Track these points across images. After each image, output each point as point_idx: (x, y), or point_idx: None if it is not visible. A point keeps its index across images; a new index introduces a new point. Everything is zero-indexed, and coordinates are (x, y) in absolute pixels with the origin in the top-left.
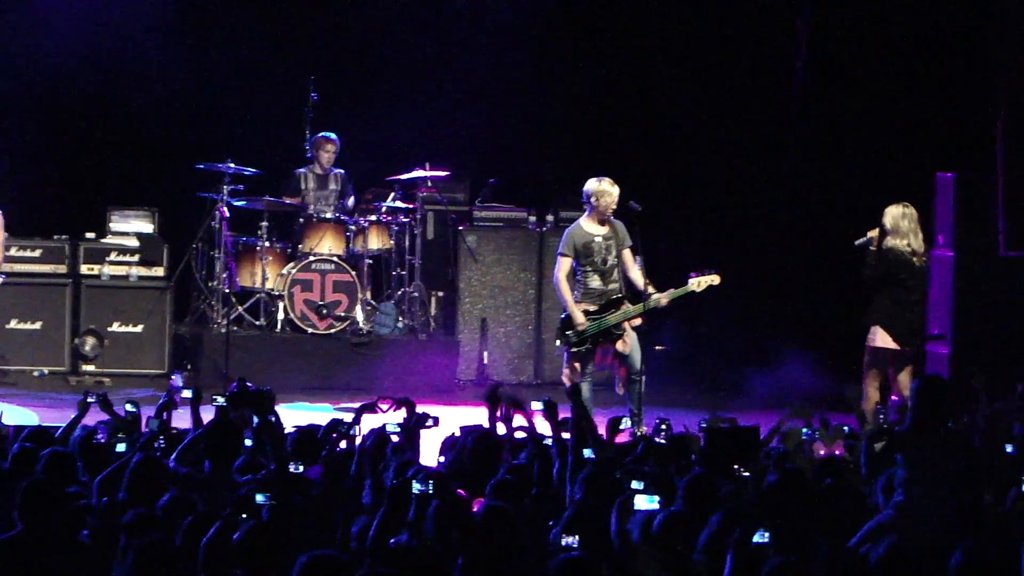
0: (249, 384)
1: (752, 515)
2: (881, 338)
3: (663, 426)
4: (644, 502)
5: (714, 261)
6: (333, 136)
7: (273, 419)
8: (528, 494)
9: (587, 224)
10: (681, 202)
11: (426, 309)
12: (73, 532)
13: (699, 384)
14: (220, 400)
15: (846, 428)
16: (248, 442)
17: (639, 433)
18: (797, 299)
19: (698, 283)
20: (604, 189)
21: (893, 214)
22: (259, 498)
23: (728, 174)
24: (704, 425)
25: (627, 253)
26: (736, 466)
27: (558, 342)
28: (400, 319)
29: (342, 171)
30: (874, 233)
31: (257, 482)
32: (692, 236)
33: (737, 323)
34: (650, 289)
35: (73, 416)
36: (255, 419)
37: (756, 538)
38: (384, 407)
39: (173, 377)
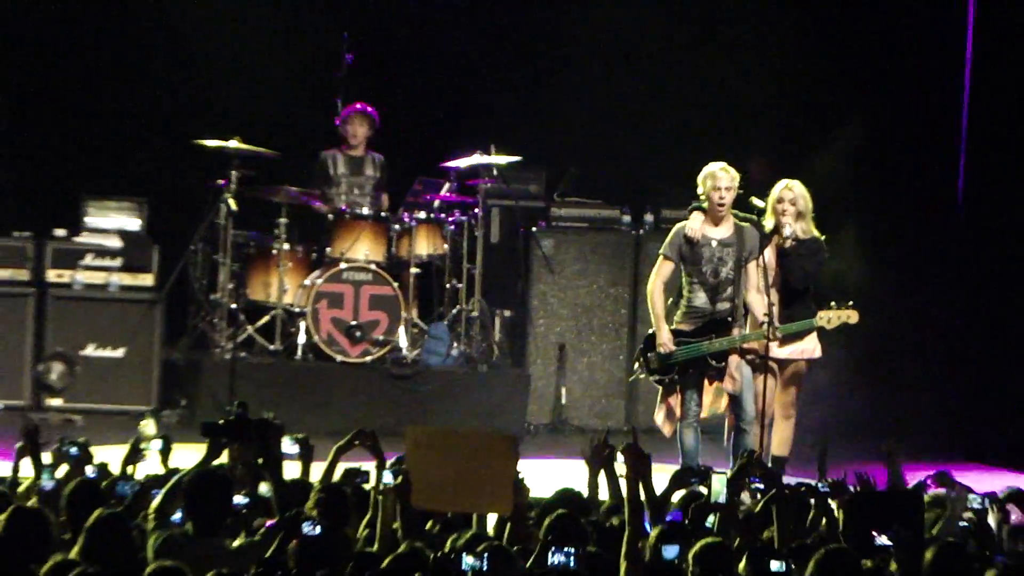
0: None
1: None
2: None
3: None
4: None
5: (850, 291)
6: (369, 109)
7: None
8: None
9: (702, 223)
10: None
11: (488, 333)
12: None
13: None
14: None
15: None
16: (239, 499)
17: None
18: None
19: (827, 319)
20: (710, 171)
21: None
22: None
23: (890, 181)
24: (825, 489)
25: (751, 268)
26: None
27: (636, 365)
28: (455, 345)
29: (381, 156)
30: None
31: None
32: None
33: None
34: (763, 317)
35: (47, 465)
36: (259, 459)
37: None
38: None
39: (142, 423)
